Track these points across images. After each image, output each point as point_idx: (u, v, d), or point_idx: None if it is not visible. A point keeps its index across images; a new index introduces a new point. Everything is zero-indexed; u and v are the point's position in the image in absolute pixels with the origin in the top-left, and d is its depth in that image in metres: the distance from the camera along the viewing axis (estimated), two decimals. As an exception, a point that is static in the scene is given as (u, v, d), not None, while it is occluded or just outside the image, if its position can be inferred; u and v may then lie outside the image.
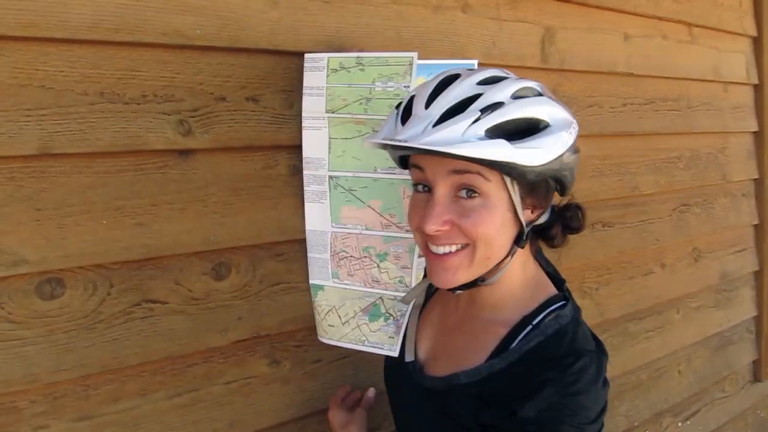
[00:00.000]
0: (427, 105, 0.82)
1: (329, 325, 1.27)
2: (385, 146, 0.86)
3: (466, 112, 0.79)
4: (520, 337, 0.89)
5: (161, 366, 1.17)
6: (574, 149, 0.86)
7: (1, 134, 0.99)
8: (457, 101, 0.81)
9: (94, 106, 1.06)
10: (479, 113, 0.79)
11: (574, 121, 0.86)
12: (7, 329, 1.02)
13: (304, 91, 1.22)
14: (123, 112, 1.09)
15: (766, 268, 2.70)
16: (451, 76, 0.85)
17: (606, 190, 1.99)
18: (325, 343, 1.30)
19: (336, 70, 1.17)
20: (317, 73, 1.19)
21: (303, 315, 1.32)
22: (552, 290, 0.96)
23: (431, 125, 0.79)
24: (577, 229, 0.95)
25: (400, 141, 0.80)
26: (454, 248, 0.86)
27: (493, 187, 0.83)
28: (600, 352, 0.88)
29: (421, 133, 0.79)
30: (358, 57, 1.15)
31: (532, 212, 0.90)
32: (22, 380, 1.03)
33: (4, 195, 1.01)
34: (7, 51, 0.99)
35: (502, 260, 0.89)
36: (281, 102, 1.26)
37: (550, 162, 0.81)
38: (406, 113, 0.84)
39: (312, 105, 1.21)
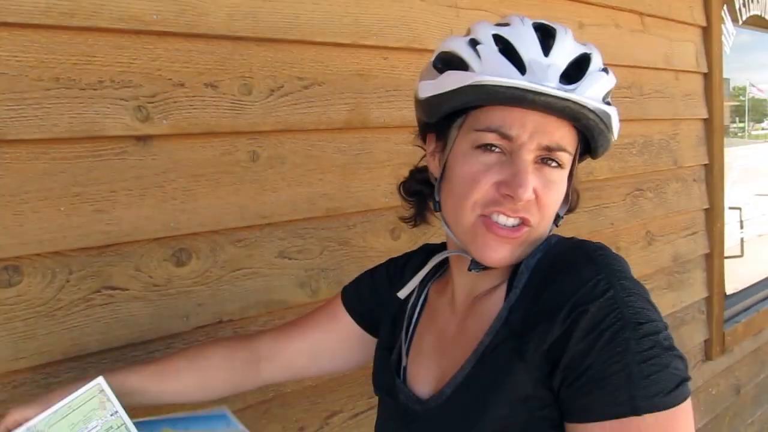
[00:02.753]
0: (545, 52, 0.74)
1: None
2: (486, 91, 0.74)
3: (597, 74, 0.75)
4: (525, 260, 0.79)
5: (122, 353, 1.17)
6: None
7: (-46, 120, 0.98)
8: (575, 55, 0.75)
9: (49, 91, 1.05)
10: (606, 74, 0.76)
11: None
12: (-36, 317, 1.01)
13: None
14: (80, 97, 1.08)
15: (716, 250, 2.79)
16: (539, 23, 0.78)
17: (562, 175, 2.03)
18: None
19: None
20: None
21: (265, 300, 1.33)
22: None
23: (559, 75, 0.73)
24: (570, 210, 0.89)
25: (539, 86, 0.71)
26: (518, 222, 0.77)
27: (570, 160, 0.79)
28: None
29: (557, 85, 0.71)
30: (42, 420, 0.89)
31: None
32: (-20, 369, 1.03)
33: (-42, 182, 0.99)
34: (-42, 35, 0.98)
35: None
36: (239, 88, 1.26)
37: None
38: (509, 53, 0.74)
39: None
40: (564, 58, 0.74)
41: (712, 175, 2.75)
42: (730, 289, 3.11)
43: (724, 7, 2.81)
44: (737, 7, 2.99)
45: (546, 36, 0.76)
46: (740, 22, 3.06)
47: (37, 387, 1.08)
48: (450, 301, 0.91)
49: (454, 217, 0.82)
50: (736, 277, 3.37)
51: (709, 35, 2.67)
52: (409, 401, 0.87)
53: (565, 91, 0.71)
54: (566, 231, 2.02)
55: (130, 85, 1.13)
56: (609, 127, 0.78)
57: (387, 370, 0.95)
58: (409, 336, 0.95)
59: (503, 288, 0.81)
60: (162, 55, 1.17)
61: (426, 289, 0.98)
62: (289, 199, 1.36)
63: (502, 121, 0.75)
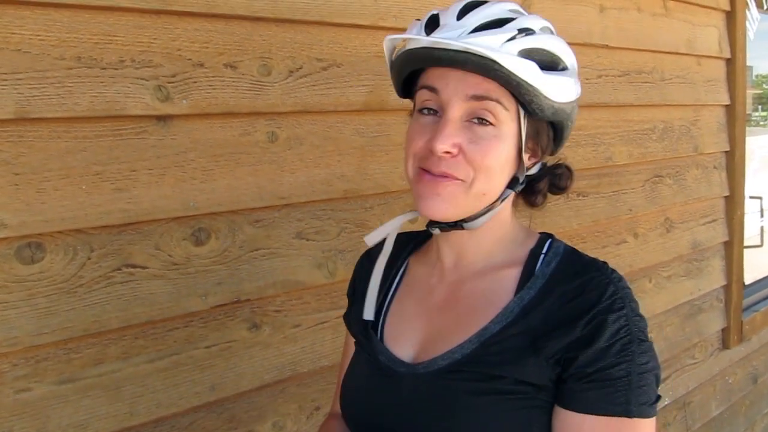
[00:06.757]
0: (459, 17, 0.79)
1: None
2: (407, 55, 0.82)
3: (503, 28, 0.77)
4: (539, 264, 0.86)
5: (142, 330, 1.18)
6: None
7: (-22, 98, 0.99)
8: (491, 18, 0.79)
9: (71, 70, 1.06)
10: (516, 32, 0.77)
11: None
12: (-12, 293, 1.03)
13: None
14: (100, 77, 1.09)
15: (736, 238, 2.77)
16: (474, 1, 0.82)
17: (581, 160, 2.02)
18: (304, 308, 1.32)
19: None
20: None
21: (282, 280, 1.34)
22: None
23: (466, 33, 0.76)
24: (563, 189, 0.92)
25: (436, 39, 0.76)
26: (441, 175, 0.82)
27: (508, 118, 0.80)
28: None
29: (457, 38, 0.76)
30: None
31: (529, 158, 0.86)
32: (4, 343, 1.04)
33: (-18, 159, 1.01)
34: (-18, 14, 0.99)
35: (493, 202, 0.85)
36: (259, 69, 1.26)
37: (568, 103, 0.82)
38: (431, 24, 0.80)
39: None
40: (476, 20, 0.78)
41: (733, 162, 2.72)
42: (748, 279, 3.08)
43: (749, -8, 2.76)
44: (762, -9, 2.94)
45: (469, 7, 0.80)
46: (765, 8, 3.01)
47: (58, 362, 1.10)
48: (434, 268, 0.94)
49: (406, 174, 0.87)
50: (756, 267, 3.33)
51: (732, 20, 2.63)
52: (391, 362, 0.89)
53: (455, 40, 0.75)
54: (585, 217, 2.00)
55: (151, 65, 1.14)
56: (525, 82, 0.77)
57: (361, 322, 0.97)
58: (387, 300, 0.98)
59: (511, 279, 0.86)
60: (182, 35, 1.18)
61: (406, 259, 1.01)
62: (307, 180, 1.36)
63: (429, 79, 0.82)
